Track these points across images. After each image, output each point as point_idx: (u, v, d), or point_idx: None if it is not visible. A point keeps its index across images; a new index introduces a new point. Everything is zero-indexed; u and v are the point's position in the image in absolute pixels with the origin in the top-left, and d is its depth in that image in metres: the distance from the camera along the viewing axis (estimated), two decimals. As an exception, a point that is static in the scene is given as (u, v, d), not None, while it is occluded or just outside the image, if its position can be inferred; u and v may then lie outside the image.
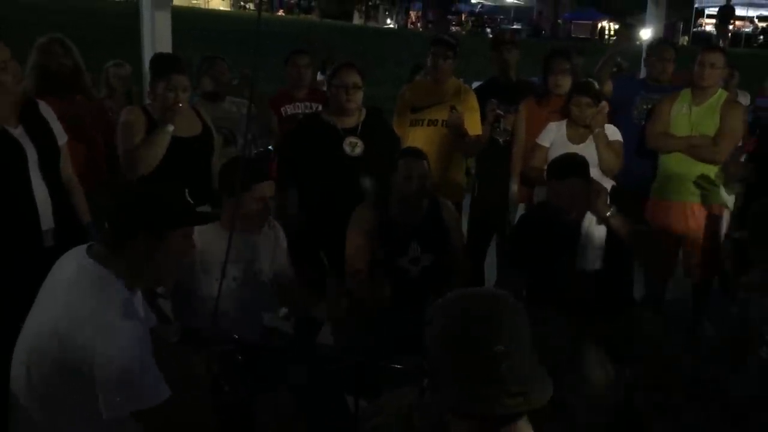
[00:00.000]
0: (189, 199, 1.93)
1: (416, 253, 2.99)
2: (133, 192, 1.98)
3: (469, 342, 1.24)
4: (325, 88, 3.78)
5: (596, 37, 33.67)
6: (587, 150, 3.53)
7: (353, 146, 3.29)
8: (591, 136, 3.60)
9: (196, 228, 2.41)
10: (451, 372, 1.25)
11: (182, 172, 2.89)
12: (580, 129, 3.65)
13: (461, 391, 1.24)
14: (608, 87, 4.12)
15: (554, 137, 3.70)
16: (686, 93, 3.80)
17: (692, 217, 3.79)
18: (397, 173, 2.95)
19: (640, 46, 4.82)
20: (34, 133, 2.69)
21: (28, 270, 1.91)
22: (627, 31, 4.23)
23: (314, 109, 4.22)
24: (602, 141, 3.57)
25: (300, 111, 4.23)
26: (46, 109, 2.80)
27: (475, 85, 4.54)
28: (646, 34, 4.59)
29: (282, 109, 4.18)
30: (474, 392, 1.23)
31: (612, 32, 36.52)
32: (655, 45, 4.43)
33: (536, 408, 1.25)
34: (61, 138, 2.82)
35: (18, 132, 2.64)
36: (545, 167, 3.56)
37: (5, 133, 2.57)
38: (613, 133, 3.68)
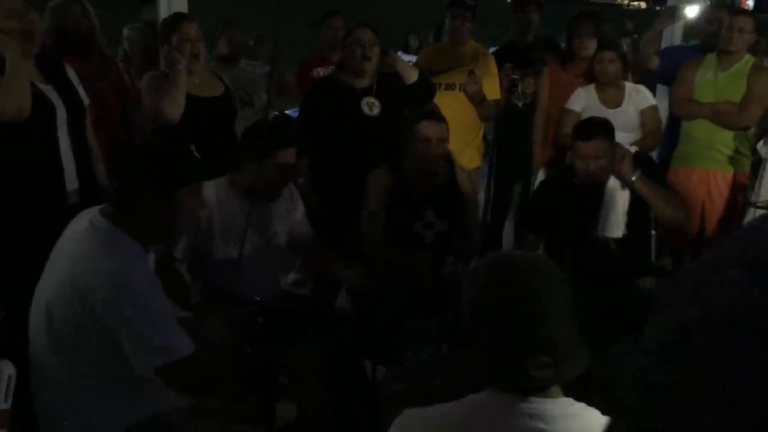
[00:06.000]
0: (195, 154, 1.92)
1: (431, 218, 2.95)
2: (139, 151, 1.99)
3: (502, 306, 1.20)
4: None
5: (617, 2, 32.97)
6: (622, 115, 3.49)
7: (371, 106, 3.25)
8: (626, 101, 3.55)
9: (214, 192, 2.40)
10: (484, 337, 1.22)
11: (204, 132, 2.83)
12: (611, 91, 3.58)
13: (491, 356, 1.22)
14: (654, 62, 4.02)
15: (585, 102, 3.63)
16: (712, 58, 3.69)
17: (714, 185, 3.73)
18: (414, 135, 2.88)
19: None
20: (63, 91, 2.62)
21: (52, 227, 1.90)
22: (672, 11, 4.12)
23: None
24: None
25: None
26: (71, 72, 2.75)
27: (492, 50, 4.45)
28: (691, 11, 4.42)
29: (314, 70, 3.97)
30: (504, 359, 1.20)
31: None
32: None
33: (566, 380, 1.22)
34: (85, 100, 2.77)
35: (47, 88, 2.57)
36: None
37: (35, 87, 2.49)
38: (648, 99, 3.61)
